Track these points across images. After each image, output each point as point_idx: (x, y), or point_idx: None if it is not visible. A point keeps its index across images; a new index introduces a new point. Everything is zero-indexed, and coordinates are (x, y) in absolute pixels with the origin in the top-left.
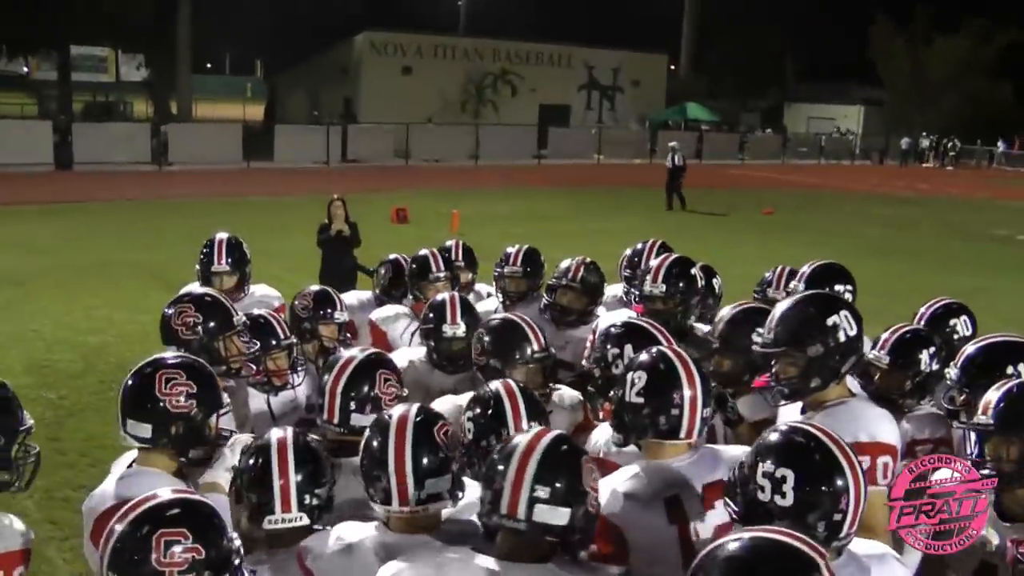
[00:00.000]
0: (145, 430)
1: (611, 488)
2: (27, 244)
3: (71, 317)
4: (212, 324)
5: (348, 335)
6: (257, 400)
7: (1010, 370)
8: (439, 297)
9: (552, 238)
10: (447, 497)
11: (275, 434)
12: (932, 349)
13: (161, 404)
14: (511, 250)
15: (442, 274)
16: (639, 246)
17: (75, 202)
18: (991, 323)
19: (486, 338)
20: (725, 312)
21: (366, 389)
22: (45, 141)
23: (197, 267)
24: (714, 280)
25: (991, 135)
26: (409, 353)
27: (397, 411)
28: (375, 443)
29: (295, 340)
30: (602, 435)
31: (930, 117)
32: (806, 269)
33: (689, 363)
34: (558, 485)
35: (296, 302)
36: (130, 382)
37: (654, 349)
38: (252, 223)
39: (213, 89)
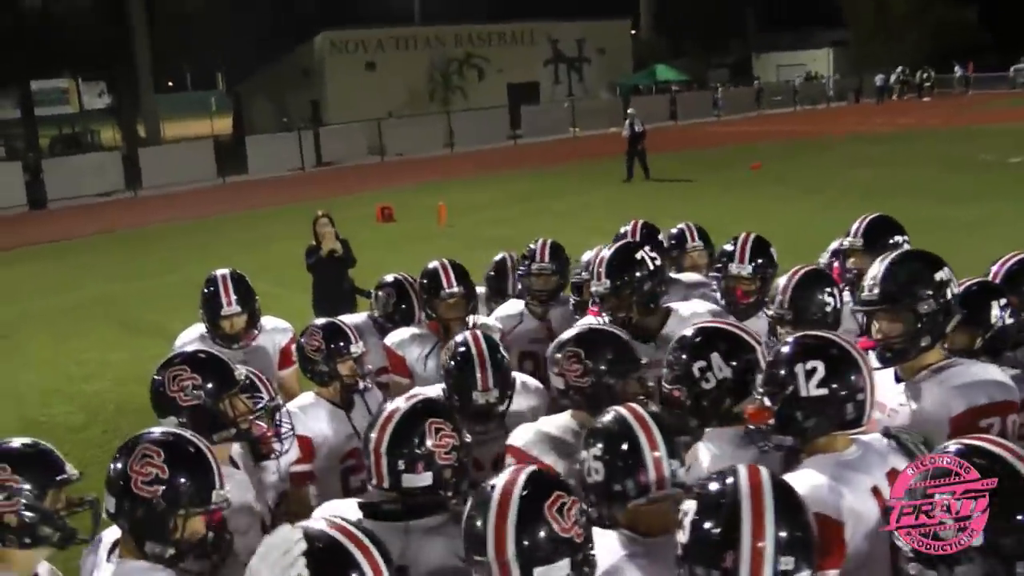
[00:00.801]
0: (111, 503)
1: (819, 482)
2: (7, 291)
3: (63, 365)
4: (211, 384)
5: (369, 367)
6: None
7: None
8: (463, 348)
9: (543, 218)
10: None
11: (336, 529)
12: (1003, 301)
13: (128, 481)
14: (535, 245)
15: (456, 289)
16: (622, 230)
17: (53, 241)
18: (999, 251)
19: (588, 360)
20: (785, 280)
21: (416, 444)
22: (16, 182)
23: (201, 311)
24: (772, 249)
25: (960, 61)
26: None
27: (502, 479)
28: (476, 523)
29: (280, 401)
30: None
31: (897, 51)
32: (859, 225)
33: (853, 342)
34: (798, 546)
35: (305, 343)
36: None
37: (807, 334)
38: (233, 239)
39: (178, 107)
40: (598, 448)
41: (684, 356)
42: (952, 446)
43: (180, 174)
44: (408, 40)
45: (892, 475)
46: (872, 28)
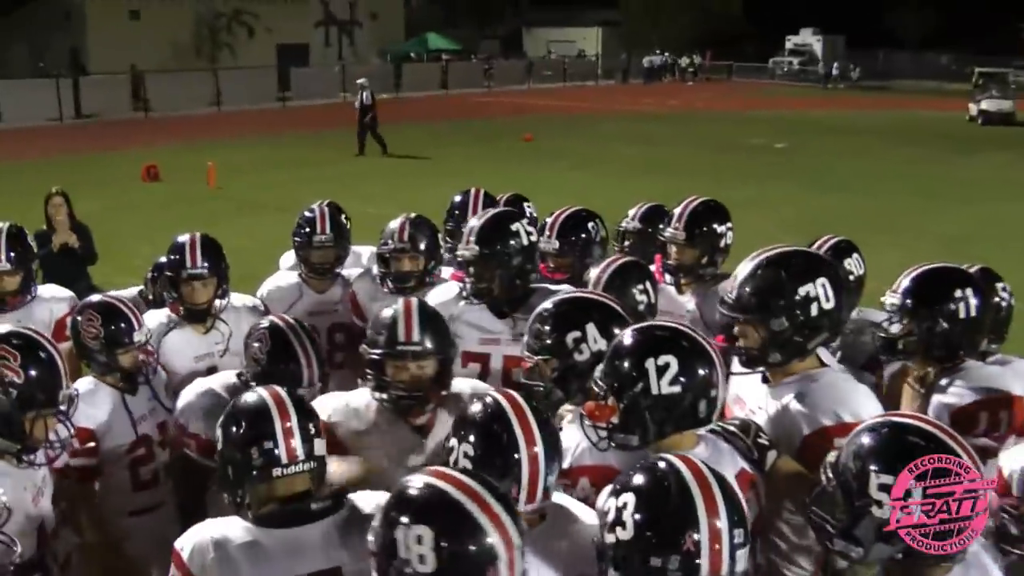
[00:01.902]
0: None
1: None
2: None
3: None
4: (27, 390)
5: (155, 356)
6: None
7: (958, 294)
8: (280, 339)
9: (316, 184)
10: None
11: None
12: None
13: None
14: (312, 214)
15: (201, 270)
16: (457, 199)
17: None
18: (772, 231)
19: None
20: (597, 272)
21: (309, 408)
22: None
23: None
24: (590, 225)
25: (724, 50)
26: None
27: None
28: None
29: (76, 392)
30: (573, 439)
31: (666, 36)
32: (682, 210)
33: (703, 335)
34: (746, 520)
35: (82, 328)
36: None
37: (654, 325)
38: None
39: None
40: (469, 443)
41: (556, 325)
42: (882, 423)
43: None
44: None
45: (741, 476)
46: (642, 10)
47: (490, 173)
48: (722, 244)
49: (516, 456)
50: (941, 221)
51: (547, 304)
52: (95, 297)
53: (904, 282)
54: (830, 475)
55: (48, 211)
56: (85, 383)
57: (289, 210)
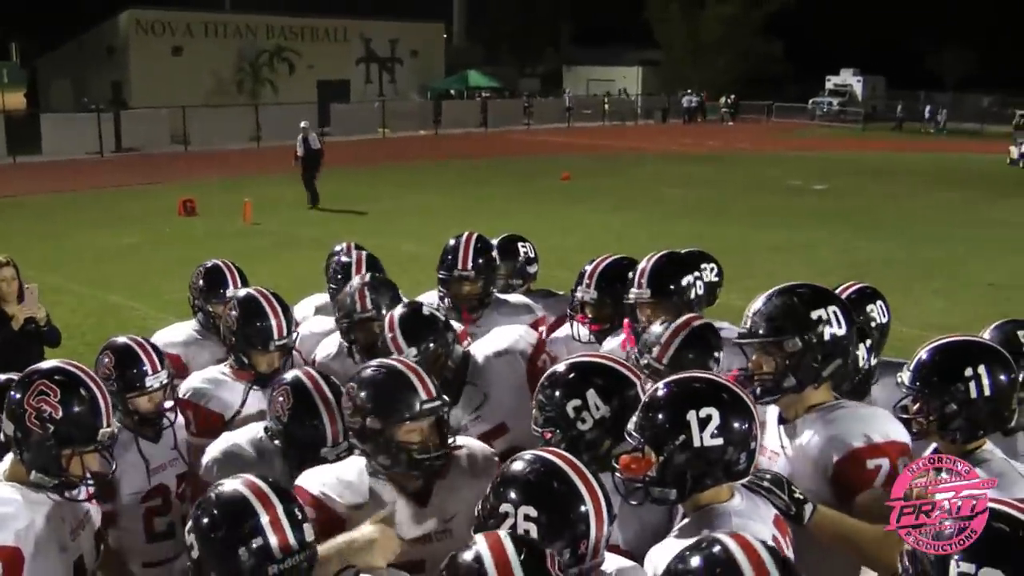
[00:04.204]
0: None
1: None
2: None
3: None
4: (68, 425)
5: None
6: None
7: (968, 372)
8: (302, 394)
9: (353, 220)
10: None
11: None
12: (869, 342)
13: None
14: (348, 259)
15: (282, 341)
16: (451, 242)
17: None
18: (810, 276)
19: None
20: (667, 335)
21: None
22: None
23: None
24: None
25: (765, 92)
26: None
27: (484, 548)
28: None
29: (117, 429)
30: None
31: (706, 76)
32: (645, 264)
33: (740, 387)
34: None
35: (99, 365)
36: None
37: (692, 376)
38: (26, 227)
39: None
40: (529, 505)
41: (557, 394)
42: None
43: None
44: (218, 26)
45: (778, 522)
46: (682, 51)
47: (528, 212)
48: (692, 296)
49: (583, 509)
50: (986, 268)
51: (551, 370)
52: (120, 337)
53: (916, 358)
54: (907, 564)
55: None
56: None
57: (326, 247)
